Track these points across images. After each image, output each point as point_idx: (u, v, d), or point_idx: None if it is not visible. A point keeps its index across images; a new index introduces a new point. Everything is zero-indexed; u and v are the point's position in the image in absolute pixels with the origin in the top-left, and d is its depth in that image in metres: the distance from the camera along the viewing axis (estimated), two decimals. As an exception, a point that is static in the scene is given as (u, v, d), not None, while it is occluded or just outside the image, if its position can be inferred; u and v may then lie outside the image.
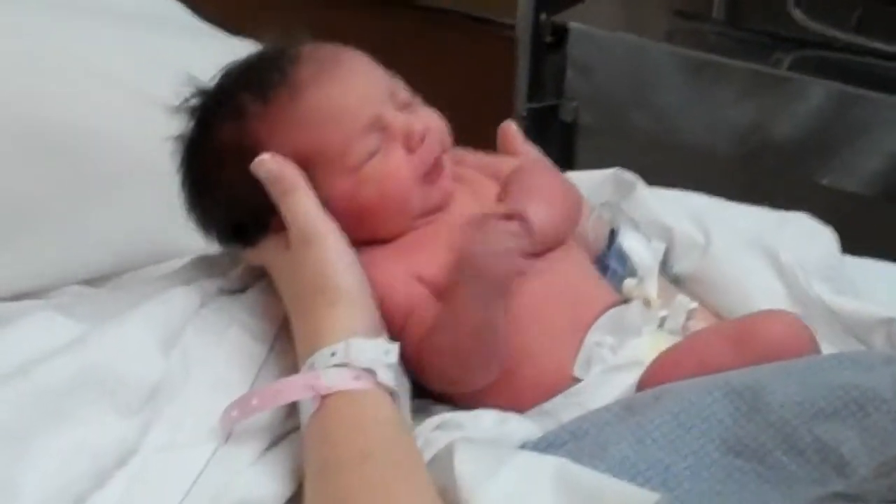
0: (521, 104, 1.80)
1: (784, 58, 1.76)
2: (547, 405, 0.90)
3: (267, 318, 0.93)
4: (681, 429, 0.81)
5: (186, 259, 1.02)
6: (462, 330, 0.88)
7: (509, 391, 0.90)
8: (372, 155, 0.91)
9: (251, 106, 0.92)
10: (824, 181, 1.66)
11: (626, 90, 1.78)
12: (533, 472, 0.78)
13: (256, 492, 0.83)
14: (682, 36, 1.89)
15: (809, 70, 1.71)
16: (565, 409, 0.89)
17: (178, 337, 0.91)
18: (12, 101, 1.15)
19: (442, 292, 0.89)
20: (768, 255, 1.06)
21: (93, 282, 1.16)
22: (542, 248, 0.92)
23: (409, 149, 0.92)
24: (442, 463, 0.80)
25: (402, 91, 0.94)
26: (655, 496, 0.74)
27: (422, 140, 0.92)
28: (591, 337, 0.91)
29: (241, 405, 0.85)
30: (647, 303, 0.93)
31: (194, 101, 0.95)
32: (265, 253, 0.93)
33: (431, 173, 0.93)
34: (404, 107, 0.93)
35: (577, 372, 0.90)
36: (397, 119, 0.92)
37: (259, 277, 0.96)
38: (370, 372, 0.83)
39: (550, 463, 0.79)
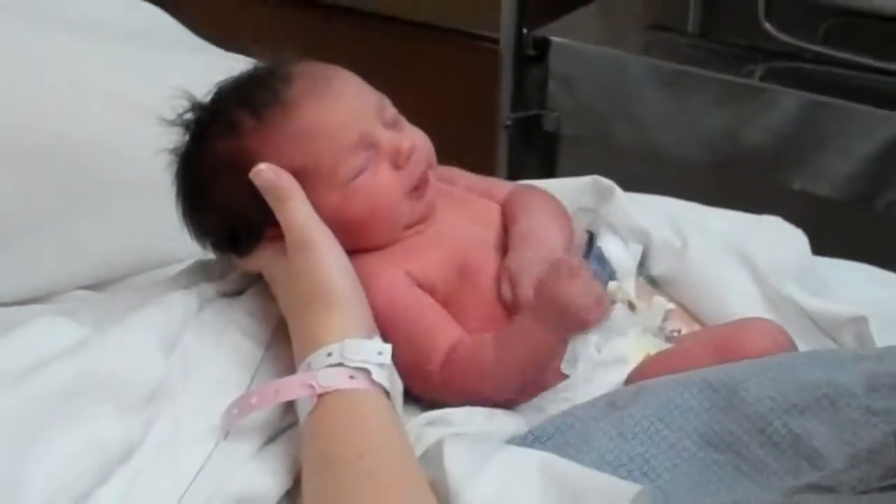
0: (505, 114, 1.81)
1: (756, 69, 1.79)
2: (535, 400, 0.92)
3: (263, 319, 0.94)
4: (660, 423, 0.83)
5: (185, 264, 1.03)
6: (522, 360, 0.90)
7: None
8: (361, 171, 0.93)
9: (245, 122, 0.92)
10: (796, 186, 1.68)
11: (605, 100, 1.79)
12: (519, 467, 0.80)
13: (255, 487, 0.84)
14: (658, 49, 1.91)
15: (781, 80, 1.73)
16: (552, 403, 0.91)
17: (178, 339, 0.92)
18: (11, 112, 1.14)
19: (504, 317, 0.92)
20: (743, 258, 1.06)
21: (95, 287, 1.16)
22: None
23: (397, 165, 0.94)
24: (432, 458, 0.82)
25: (390, 109, 0.96)
26: (637, 488, 0.76)
27: (409, 157, 0.94)
28: (578, 335, 0.93)
29: (242, 404, 0.87)
30: (631, 307, 0.95)
31: (189, 116, 0.96)
32: (261, 261, 0.94)
33: (418, 188, 0.95)
34: (392, 124, 0.95)
35: (564, 368, 0.92)
36: (385, 137, 0.93)
37: (255, 281, 0.96)
38: (365, 371, 0.84)
39: (536, 457, 0.81)
